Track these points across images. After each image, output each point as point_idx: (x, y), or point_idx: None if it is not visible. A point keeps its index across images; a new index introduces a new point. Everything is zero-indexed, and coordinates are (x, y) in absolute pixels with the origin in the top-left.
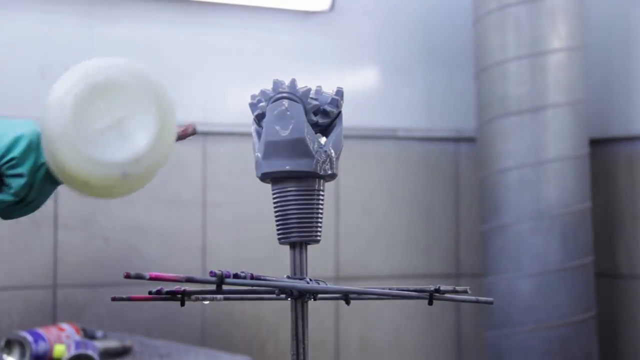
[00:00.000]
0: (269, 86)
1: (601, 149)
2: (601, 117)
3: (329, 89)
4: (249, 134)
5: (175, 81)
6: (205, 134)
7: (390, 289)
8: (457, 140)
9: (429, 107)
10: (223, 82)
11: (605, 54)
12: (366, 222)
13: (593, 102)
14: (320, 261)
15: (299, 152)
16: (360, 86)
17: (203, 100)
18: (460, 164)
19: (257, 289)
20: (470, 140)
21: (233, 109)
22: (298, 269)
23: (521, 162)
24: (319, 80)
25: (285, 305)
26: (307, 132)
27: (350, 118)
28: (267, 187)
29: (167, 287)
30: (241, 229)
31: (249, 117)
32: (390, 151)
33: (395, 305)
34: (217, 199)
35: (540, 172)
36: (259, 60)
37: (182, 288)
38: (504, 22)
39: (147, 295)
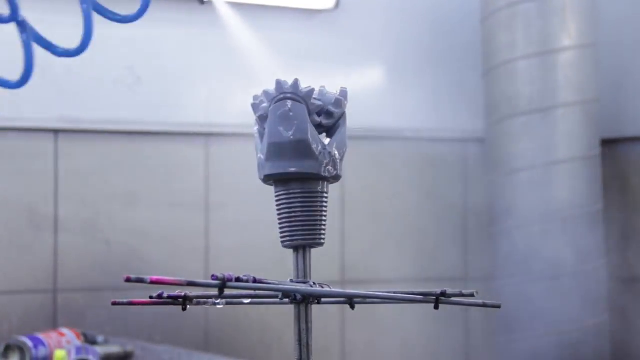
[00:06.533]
0: (272, 86)
1: (613, 149)
2: (613, 117)
3: (334, 89)
4: (252, 135)
5: (177, 81)
6: (208, 135)
7: (395, 292)
8: (465, 141)
9: (437, 107)
10: (226, 82)
11: (616, 52)
12: (372, 225)
13: (604, 101)
14: (325, 265)
15: (303, 153)
16: (366, 86)
17: (205, 101)
18: (469, 165)
19: (260, 293)
20: (479, 140)
21: (236, 109)
22: (301, 273)
23: (531, 163)
24: (324, 80)
25: (290, 310)
26: (311, 133)
27: (356, 118)
28: (271, 189)
29: (169, 291)
30: (245, 231)
31: (252, 117)
32: (397, 152)
33: (403, 310)
34: (220, 201)
35: (551, 173)
36: (263, 60)
37: (184, 292)
38: (513, 20)
39: (148, 299)
